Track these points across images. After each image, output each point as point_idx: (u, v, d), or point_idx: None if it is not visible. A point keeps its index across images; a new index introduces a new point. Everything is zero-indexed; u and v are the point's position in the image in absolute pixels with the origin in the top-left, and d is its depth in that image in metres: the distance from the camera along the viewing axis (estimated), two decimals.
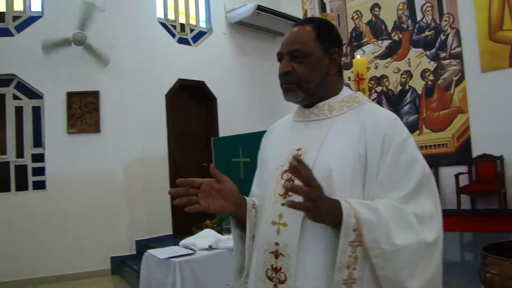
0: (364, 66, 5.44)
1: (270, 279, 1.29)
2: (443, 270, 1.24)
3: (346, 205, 1.17)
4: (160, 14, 7.25)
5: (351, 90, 1.48)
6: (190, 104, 7.59)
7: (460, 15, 7.26)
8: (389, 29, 8.06)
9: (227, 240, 3.57)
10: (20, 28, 6.08)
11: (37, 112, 6.16)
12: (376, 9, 8.21)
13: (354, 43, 8.45)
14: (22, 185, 6.03)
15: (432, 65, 7.55)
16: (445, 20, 7.41)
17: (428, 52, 7.60)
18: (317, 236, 1.24)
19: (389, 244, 1.14)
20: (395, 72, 7.97)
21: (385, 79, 8.08)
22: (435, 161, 7.32)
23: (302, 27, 1.40)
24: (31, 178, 6.07)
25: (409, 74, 7.81)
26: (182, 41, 7.51)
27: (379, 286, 1.17)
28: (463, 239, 5.93)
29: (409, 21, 7.82)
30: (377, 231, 1.15)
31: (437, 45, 7.50)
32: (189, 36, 7.65)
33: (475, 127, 7.10)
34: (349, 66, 7.38)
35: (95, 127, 6.21)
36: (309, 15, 9.00)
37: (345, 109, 1.39)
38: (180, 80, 7.22)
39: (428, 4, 7.59)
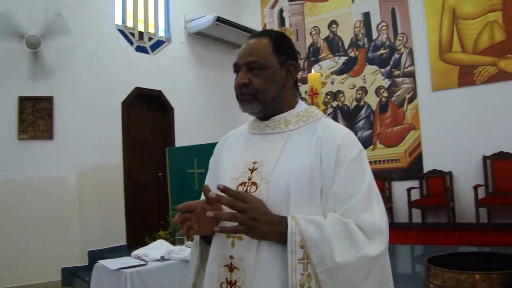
0: (318, 81, 5.54)
1: None
2: (394, 282, 1.27)
3: (292, 222, 1.18)
4: (118, 21, 7.12)
5: (307, 104, 1.50)
6: (147, 113, 7.48)
7: (413, 35, 7.55)
8: (346, 45, 8.26)
9: (180, 251, 3.58)
10: None
11: None
12: (334, 25, 8.40)
13: (312, 58, 8.60)
14: None
15: (386, 82, 7.79)
16: (399, 40, 7.68)
17: (382, 70, 7.84)
18: (274, 250, 1.23)
19: (331, 261, 1.16)
20: (351, 88, 8.15)
21: (341, 95, 8.25)
22: (388, 176, 7.52)
23: (259, 39, 1.41)
24: None
25: (364, 90, 8.02)
26: (140, 49, 7.40)
27: None
28: (414, 251, 6.09)
29: (365, 39, 8.05)
30: (322, 248, 1.17)
31: (391, 63, 7.75)
32: (148, 45, 7.55)
33: (426, 143, 7.37)
34: (306, 80, 7.49)
35: (48, 134, 5.99)
36: (268, 28, 9.10)
37: (301, 123, 1.40)
38: (137, 88, 7.10)
39: (384, 24, 7.85)
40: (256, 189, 1.29)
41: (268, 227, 1.18)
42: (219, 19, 7.78)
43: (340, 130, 1.36)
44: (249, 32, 8.13)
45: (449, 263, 2.26)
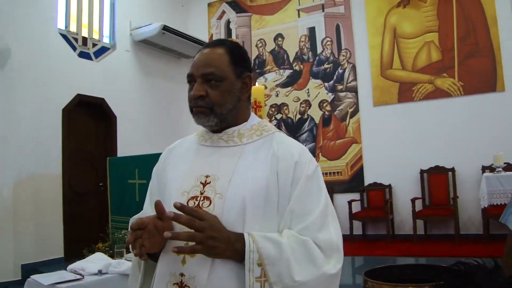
0: (262, 94, 5.52)
1: None
2: None
3: (250, 239, 1.15)
4: (61, 25, 6.81)
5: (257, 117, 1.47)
6: (89, 121, 7.21)
7: (357, 51, 7.78)
8: (291, 59, 8.38)
9: (118, 265, 3.42)
10: None
11: None
12: (280, 39, 8.51)
13: (257, 70, 8.65)
14: None
15: (329, 96, 7.95)
16: (343, 55, 7.88)
17: (326, 84, 8.00)
18: (230, 268, 1.18)
19: (290, 279, 1.14)
20: (295, 101, 8.26)
21: (285, 107, 8.34)
22: (330, 188, 7.63)
23: (215, 49, 1.35)
24: None
25: (308, 103, 8.14)
26: (83, 55, 7.12)
27: None
28: (354, 263, 6.20)
29: (310, 53, 8.20)
30: (280, 266, 1.14)
31: (335, 77, 7.94)
32: (91, 51, 7.29)
33: (367, 157, 7.57)
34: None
35: None
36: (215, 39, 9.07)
37: (255, 137, 1.35)
38: (79, 95, 6.81)
39: (328, 39, 8.03)
40: (210, 204, 1.23)
41: (225, 245, 1.13)
42: (165, 28, 7.67)
43: (296, 146, 1.34)
44: (195, 42, 8.08)
45: (386, 275, 2.34)
